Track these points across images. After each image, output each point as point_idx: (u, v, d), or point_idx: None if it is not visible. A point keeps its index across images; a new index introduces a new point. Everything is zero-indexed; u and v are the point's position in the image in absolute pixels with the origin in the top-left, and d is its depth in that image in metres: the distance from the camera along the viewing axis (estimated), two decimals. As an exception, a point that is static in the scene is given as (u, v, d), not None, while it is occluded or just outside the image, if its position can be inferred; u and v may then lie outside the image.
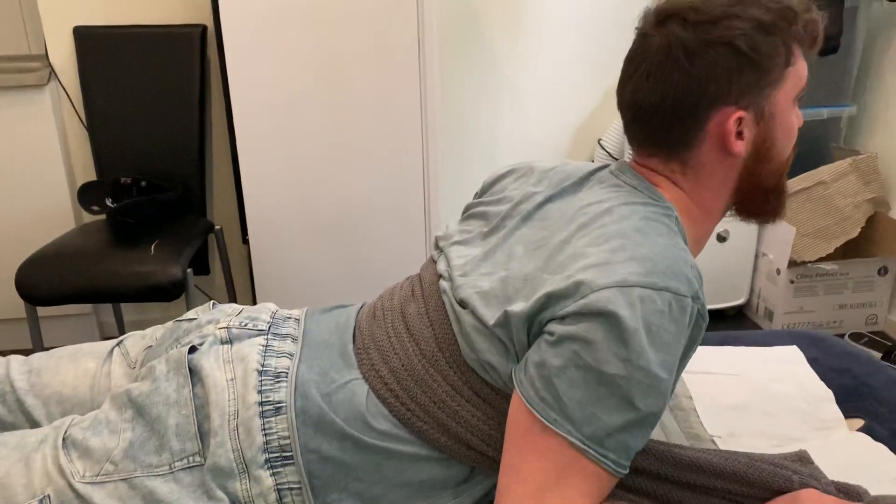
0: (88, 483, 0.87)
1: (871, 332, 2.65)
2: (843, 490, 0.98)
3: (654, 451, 1.01)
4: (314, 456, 0.90)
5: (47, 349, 1.15)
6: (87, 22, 2.33)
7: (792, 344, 1.46)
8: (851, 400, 1.28)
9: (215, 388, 0.92)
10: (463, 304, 0.92)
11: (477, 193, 1.16)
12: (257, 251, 2.17)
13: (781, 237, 2.52)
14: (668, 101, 0.90)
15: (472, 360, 0.90)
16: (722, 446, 1.17)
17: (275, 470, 0.89)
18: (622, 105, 0.97)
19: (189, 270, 2.01)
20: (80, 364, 1.09)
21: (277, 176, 2.10)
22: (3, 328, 2.56)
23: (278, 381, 0.93)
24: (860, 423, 1.23)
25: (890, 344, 2.47)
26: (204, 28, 2.32)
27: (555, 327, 0.80)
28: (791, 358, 1.41)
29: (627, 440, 0.80)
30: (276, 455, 0.89)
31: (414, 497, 0.92)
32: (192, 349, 0.97)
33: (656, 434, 1.20)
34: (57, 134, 2.38)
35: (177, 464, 0.89)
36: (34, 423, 1.05)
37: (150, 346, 1.10)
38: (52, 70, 2.36)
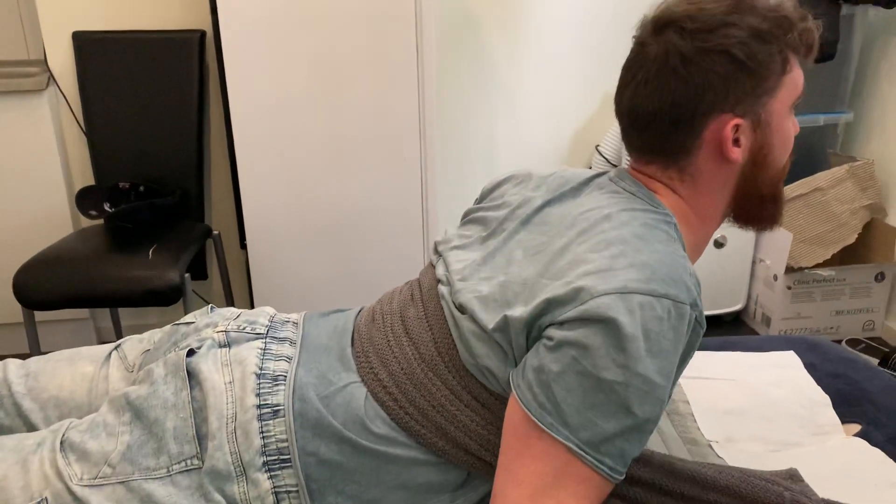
0: (86, 486, 0.87)
1: (868, 338, 2.65)
2: None
3: (649, 461, 1.02)
4: (312, 459, 0.90)
5: (45, 354, 1.15)
6: (86, 27, 2.34)
7: (789, 349, 1.46)
8: (848, 405, 1.28)
9: (213, 391, 0.92)
10: (462, 308, 0.92)
11: (476, 200, 1.17)
12: (255, 256, 2.18)
13: (779, 243, 2.52)
14: (666, 109, 0.91)
15: (471, 365, 0.90)
16: (719, 451, 1.17)
17: (272, 473, 0.89)
18: (620, 112, 0.98)
19: (187, 275, 2.01)
20: (77, 368, 1.09)
21: (275, 181, 2.10)
22: (0, 333, 2.56)
23: (276, 385, 0.93)
24: (857, 428, 1.23)
25: (887, 350, 2.47)
26: (202, 34, 2.32)
27: (554, 332, 0.81)
28: (788, 363, 1.42)
29: (624, 446, 0.80)
30: (273, 458, 0.89)
31: (411, 501, 0.92)
32: (191, 352, 0.97)
33: (653, 439, 1.20)
34: (55, 139, 2.38)
35: (174, 467, 0.89)
36: (31, 427, 1.05)
37: (148, 350, 1.10)
38: (51, 75, 2.36)
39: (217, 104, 2.46)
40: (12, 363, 1.09)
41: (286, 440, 0.90)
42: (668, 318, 0.79)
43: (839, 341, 2.61)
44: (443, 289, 0.98)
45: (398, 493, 0.92)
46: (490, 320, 0.87)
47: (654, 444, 1.19)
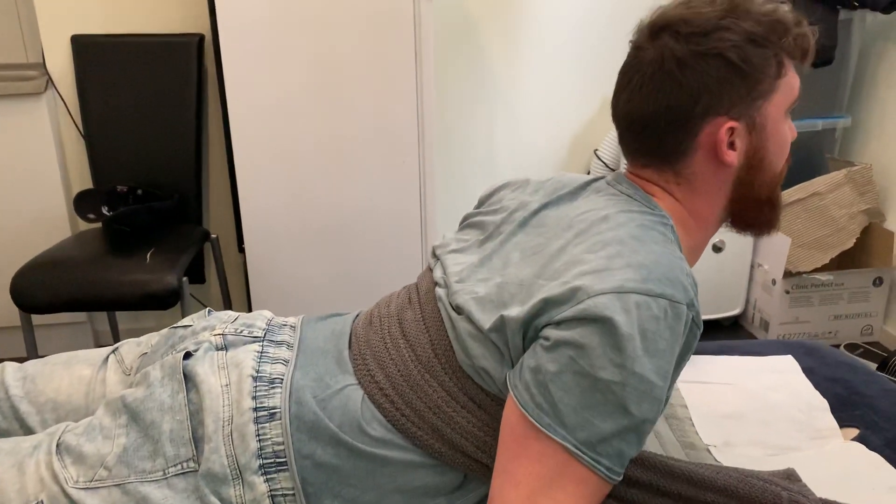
0: (82, 489, 0.87)
1: (866, 343, 2.65)
2: None
3: (647, 462, 1.02)
4: (308, 462, 0.90)
5: (42, 357, 1.15)
6: (85, 31, 2.34)
7: (787, 354, 1.46)
8: (846, 409, 1.29)
9: (210, 394, 0.92)
10: (458, 309, 0.92)
11: (474, 207, 1.18)
12: (253, 260, 2.17)
13: (777, 248, 2.53)
14: (661, 112, 0.92)
15: (468, 366, 0.90)
16: (717, 455, 1.17)
17: (268, 476, 0.89)
18: (616, 116, 0.99)
19: (185, 279, 2.01)
20: (74, 371, 1.09)
21: (274, 185, 2.10)
22: (-3, 336, 2.56)
23: (273, 387, 0.93)
24: (855, 432, 1.23)
25: (885, 354, 2.47)
26: (201, 37, 2.33)
27: (551, 332, 0.81)
28: (786, 367, 1.42)
29: (621, 446, 0.80)
30: (269, 461, 0.89)
31: (408, 503, 0.92)
32: (188, 355, 0.97)
33: (651, 443, 1.20)
34: (54, 142, 2.38)
35: (171, 469, 0.89)
36: (28, 430, 1.05)
37: (146, 353, 1.09)
38: (50, 78, 2.37)
39: (215, 108, 2.46)
40: (10, 366, 1.09)
41: (282, 443, 0.90)
42: (664, 317, 0.79)
43: (837, 346, 2.61)
44: (440, 291, 0.98)
45: (395, 496, 0.92)
46: (486, 320, 0.88)
47: (652, 447, 1.19)
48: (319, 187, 2.12)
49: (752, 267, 2.69)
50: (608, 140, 2.65)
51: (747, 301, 2.74)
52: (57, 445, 0.91)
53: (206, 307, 1.16)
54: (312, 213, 2.14)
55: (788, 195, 2.48)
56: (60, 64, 2.36)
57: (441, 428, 0.90)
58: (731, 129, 0.91)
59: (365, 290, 2.23)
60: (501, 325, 0.86)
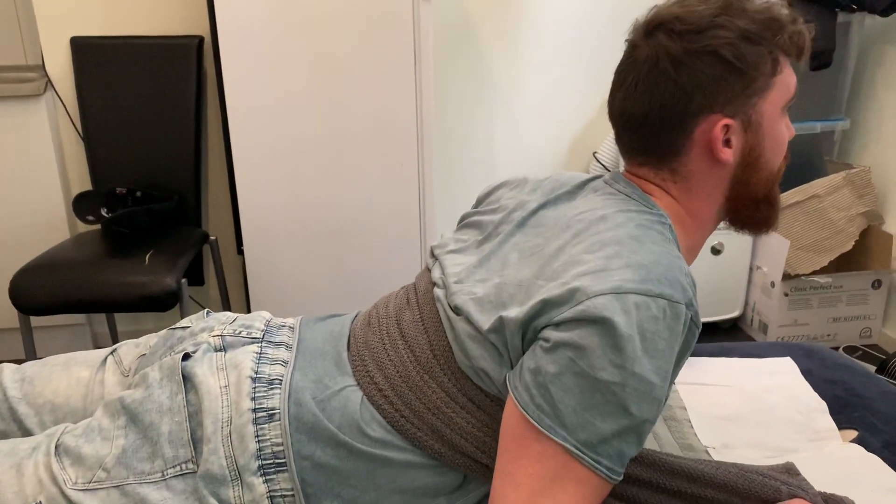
0: (80, 490, 0.87)
1: (865, 345, 2.65)
2: (829, 501, 0.99)
3: (647, 460, 1.02)
4: (307, 463, 0.90)
5: (40, 359, 1.14)
6: (85, 32, 2.34)
7: (786, 355, 1.46)
8: (845, 411, 1.29)
9: (209, 395, 0.92)
10: (457, 310, 0.92)
11: (473, 206, 1.17)
12: (252, 262, 2.17)
13: (775, 250, 2.53)
14: (656, 110, 0.92)
15: (466, 367, 0.90)
16: (716, 457, 1.17)
17: (268, 477, 0.89)
18: (612, 115, 0.99)
19: (183, 281, 2.01)
20: (73, 373, 1.09)
21: (273, 186, 2.10)
22: (-4, 338, 2.56)
23: (272, 388, 0.93)
24: (853, 434, 1.23)
25: (884, 357, 2.47)
26: (201, 39, 2.33)
27: (550, 333, 0.81)
28: (785, 369, 1.42)
29: (622, 446, 0.80)
30: (269, 462, 0.89)
31: (407, 504, 0.92)
32: (186, 356, 0.97)
33: (650, 444, 1.20)
34: (53, 144, 2.38)
35: (169, 471, 0.89)
36: (27, 432, 1.05)
37: (144, 355, 1.09)
38: (49, 80, 2.37)
39: (215, 110, 2.46)
40: (8, 368, 1.09)
41: (281, 444, 0.90)
42: (663, 317, 0.79)
43: (836, 348, 2.61)
44: (438, 291, 0.98)
45: (394, 497, 0.91)
46: (485, 321, 0.88)
47: (651, 448, 1.19)
48: (318, 189, 2.12)
49: (750, 269, 2.69)
50: (607, 142, 2.65)
51: (746, 303, 2.74)
52: (56, 447, 0.91)
53: (204, 309, 1.16)
54: (311, 214, 2.14)
55: (787, 197, 2.49)
56: (60, 66, 2.37)
57: (440, 429, 0.90)
58: (727, 127, 0.91)
59: (364, 291, 2.23)
60: (500, 326, 0.86)
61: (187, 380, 0.94)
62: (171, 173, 2.37)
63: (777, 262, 2.52)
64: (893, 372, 2.24)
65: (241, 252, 2.23)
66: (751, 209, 0.98)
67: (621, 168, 1.04)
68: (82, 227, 2.48)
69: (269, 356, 0.98)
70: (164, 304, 1.93)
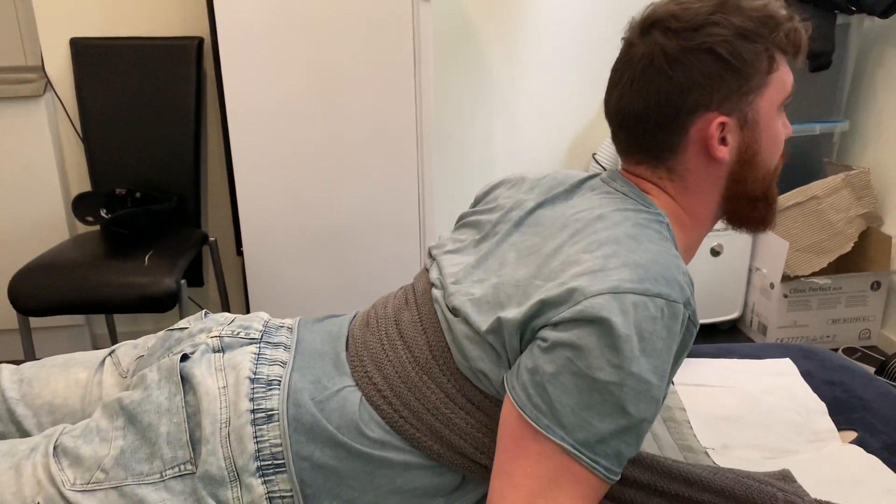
0: (79, 491, 0.87)
1: (864, 347, 2.65)
2: None
3: (645, 462, 1.02)
4: (306, 464, 0.90)
5: (39, 360, 1.14)
6: (84, 34, 2.34)
7: (785, 357, 1.46)
8: (844, 412, 1.29)
9: (207, 396, 0.92)
10: (455, 311, 0.92)
11: (471, 205, 1.17)
12: (251, 263, 2.17)
13: (775, 252, 2.53)
14: (652, 108, 0.92)
15: (465, 368, 0.90)
16: (715, 458, 1.17)
17: (266, 478, 0.89)
18: (609, 113, 0.99)
19: (183, 282, 2.01)
20: (71, 374, 1.09)
21: (272, 188, 2.10)
22: (-5, 339, 2.56)
23: (270, 389, 0.93)
24: (853, 435, 1.23)
25: (883, 358, 2.47)
26: (200, 40, 2.33)
27: (548, 333, 0.81)
28: (784, 370, 1.42)
29: (620, 446, 0.80)
30: (267, 463, 0.89)
31: (406, 505, 0.92)
32: (184, 357, 0.97)
33: (650, 445, 1.20)
34: (52, 145, 2.38)
35: (168, 472, 0.89)
36: (25, 434, 1.04)
37: (142, 356, 1.09)
38: (49, 81, 2.37)
39: (214, 111, 2.46)
40: (6, 369, 1.09)
41: (280, 445, 0.90)
42: (661, 317, 0.79)
43: (835, 350, 2.61)
44: (436, 292, 0.98)
45: (393, 498, 0.91)
46: (483, 322, 0.87)
47: (651, 450, 1.19)
48: (318, 190, 2.12)
49: (750, 271, 2.69)
50: (607, 144, 2.65)
51: (745, 305, 2.74)
52: (54, 448, 0.91)
53: (203, 309, 1.16)
54: (311, 215, 2.14)
55: (786, 199, 2.49)
56: (59, 67, 2.37)
57: (439, 429, 0.90)
58: (722, 125, 0.91)
59: (363, 292, 2.23)
60: (498, 327, 0.86)
61: (186, 381, 0.94)
62: (170, 174, 2.37)
63: (776, 263, 2.53)
64: (892, 373, 2.24)
65: (240, 253, 2.23)
66: (748, 207, 0.98)
67: (619, 168, 1.04)
68: (82, 228, 2.47)
69: (268, 357, 0.98)
70: (163, 305, 1.93)
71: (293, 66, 1.99)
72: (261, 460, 0.89)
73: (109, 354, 1.12)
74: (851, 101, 2.70)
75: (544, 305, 0.82)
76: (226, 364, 0.96)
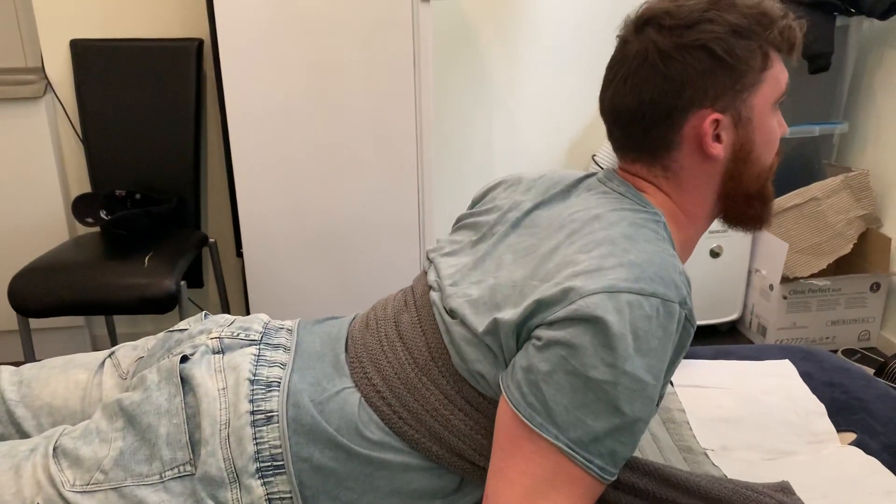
0: (78, 492, 0.87)
1: (863, 348, 2.66)
2: None
3: (643, 468, 1.02)
4: (305, 465, 0.90)
5: (38, 361, 1.14)
6: (84, 35, 2.35)
7: (784, 358, 1.46)
8: (843, 414, 1.29)
9: (207, 397, 0.92)
10: (452, 314, 0.92)
11: (468, 207, 1.17)
12: (251, 264, 2.17)
13: (774, 253, 2.53)
14: (646, 105, 0.92)
15: (463, 370, 0.90)
16: (714, 459, 1.17)
17: (266, 479, 0.89)
18: (604, 111, 0.99)
19: (182, 283, 2.01)
20: (70, 376, 1.09)
21: (272, 189, 2.10)
22: (-6, 340, 2.56)
23: (270, 391, 0.93)
24: (852, 436, 1.23)
25: (882, 360, 2.47)
26: (200, 42, 2.33)
27: (542, 332, 0.81)
28: (783, 372, 1.42)
29: (614, 446, 0.80)
30: (267, 464, 0.89)
31: (405, 507, 0.92)
32: (184, 358, 0.97)
33: (649, 447, 1.20)
34: (52, 146, 2.38)
35: (167, 473, 0.89)
36: (24, 435, 1.04)
37: (142, 357, 1.09)
38: (49, 83, 2.37)
39: (214, 112, 2.46)
40: (5, 370, 1.09)
41: (280, 446, 0.90)
42: (656, 316, 0.79)
43: (835, 351, 2.61)
44: (434, 295, 0.98)
45: (392, 499, 0.92)
46: (480, 324, 0.87)
47: (650, 451, 1.19)
48: (318, 192, 2.12)
49: (749, 272, 2.69)
50: (606, 145, 2.65)
51: (745, 306, 2.74)
52: (54, 449, 0.91)
53: (203, 311, 1.16)
54: (311, 217, 2.14)
55: (785, 200, 2.49)
56: (59, 68, 2.37)
57: (438, 431, 0.90)
58: (716, 122, 0.91)
59: (363, 294, 2.23)
60: (495, 328, 0.86)
61: (185, 382, 0.95)
62: (170, 176, 2.37)
63: (776, 264, 2.53)
64: (892, 375, 2.24)
65: (240, 255, 2.23)
66: (744, 205, 0.98)
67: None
68: (81, 230, 2.48)
69: (268, 358, 0.98)
70: (163, 306, 1.93)
71: (293, 67, 2.00)
72: (260, 461, 0.89)
73: (109, 356, 1.12)
74: (851, 102, 2.71)
75: (540, 305, 0.82)
76: (225, 365, 0.96)
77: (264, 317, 1.08)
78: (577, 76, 2.69)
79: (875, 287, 2.59)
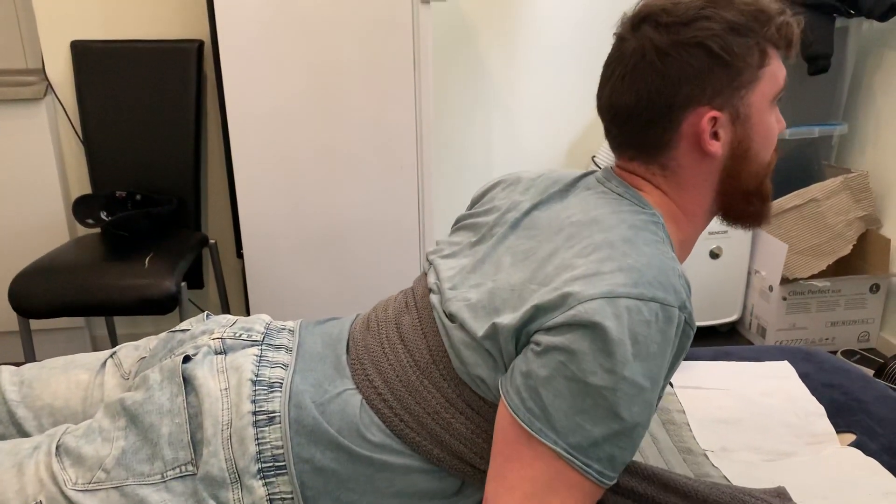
0: (80, 490, 0.87)
1: (863, 349, 2.66)
2: None
3: (642, 473, 1.02)
4: (307, 466, 0.90)
5: (39, 361, 1.14)
6: (85, 36, 2.35)
7: (783, 359, 1.47)
8: (843, 415, 1.29)
9: (209, 398, 0.92)
10: (452, 317, 0.92)
11: (467, 207, 1.17)
12: (251, 265, 2.18)
13: (774, 254, 2.53)
14: (643, 103, 0.91)
15: (463, 374, 0.90)
16: (714, 461, 1.17)
17: (267, 480, 0.89)
18: (601, 109, 0.98)
19: (183, 284, 2.01)
20: (72, 376, 1.09)
21: (272, 190, 2.11)
22: (-5, 341, 2.56)
23: (272, 391, 0.93)
24: (851, 437, 1.23)
25: (882, 361, 2.47)
26: (201, 43, 2.33)
27: (541, 338, 0.81)
28: (782, 373, 1.42)
29: (613, 451, 0.80)
30: (268, 465, 0.89)
31: (406, 508, 0.92)
32: (187, 359, 0.97)
33: (649, 448, 1.21)
34: (53, 147, 2.38)
35: (169, 473, 0.89)
36: (25, 436, 1.04)
37: (144, 358, 1.09)
38: (49, 84, 2.37)
39: (214, 113, 2.46)
40: (6, 370, 1.09)
41: (281, 447, 0.90)
42: (655, 321, 0.79)
43: (834, 352, 2.61)
44: (433, 298, 0.98)
45: (393, 501, 0.92)
46: (479, 328, 0.87)
47: (650, 452, 1.19)
48: (318, 193, 2.12)
49: (749, 273, 2.69)
50: (605, 146, 2.65)
51: (744, 307, 2.74)
52: (56, 447, 0.91)
53: (204, 311, 1.16)
54: (311, 218, 2.14)
55: (785, 201, 2.49)
56: (60, 69, 2.37)
57: (439, 433, 0.90)
58: (714, 119, 0.90)
59: (363, 294, 2.24)
60: (494, 332, 0.86)
61: (188, 382, 0.95)
62: (170, 177, 2.37)
63: (775, 265, 2.53)
64: (891, 376, 2.25)
65: (240, 255, 2.23)
66: (743, 203, 0.97)
67: (614, 164, 1.03)
68: (82, 231, 2.48)
69: (270, 359, 0.98)
70: (163, 307, 1.93)
71: (293, 68, 2.00)
72: (262, 462, 0.89)
73: (111, 356, 1.12)
74: (850, 104, 2.71)
75: (538, 310, 0.82)
76: (228, 366, 0.96)
77: (266, 317, 1.08)
78: (577, 77, 2.69)
79: (874, 288, 2.59)
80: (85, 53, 2.32)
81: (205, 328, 1.05)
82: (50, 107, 2.38)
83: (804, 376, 1.40)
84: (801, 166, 2.66)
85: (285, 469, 0.89)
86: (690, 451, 1.20)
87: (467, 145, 2.73)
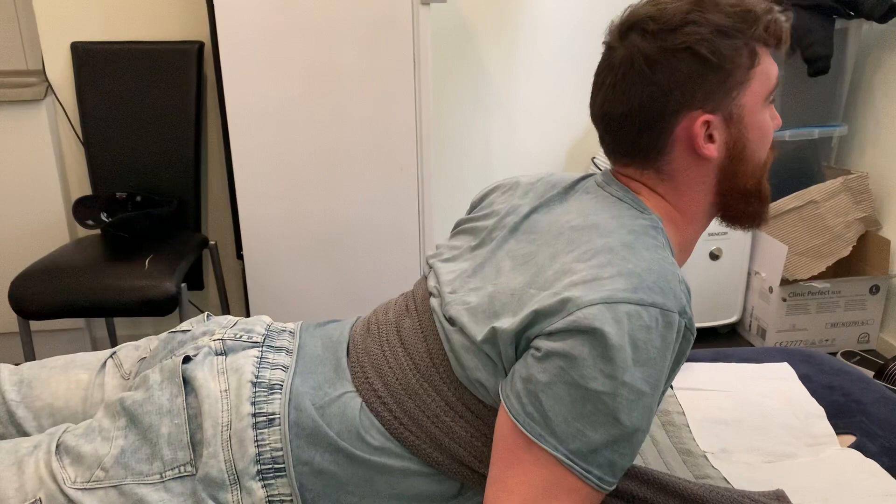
0: (79, 489, 0.87)
1: (863, 351, 2.66)
2: None
3: (642, 476, 1.02)
4: (306, 468, 0.90)
5: (38, 361, 1.14)
6: (85, 38, 2.35)
7: (783, 361, 1.47)
8: (842, 416, 1.29)
9: (209, 399, 0.92)
10: (451, 321, 0.92)
11: (467, 212, 1.17)
12: (251, 267, 2.18)
13: (774, 255, 2.53)
14: (635, 111, 0.91)
15: (463, 378, 0.90)
16: (714, 462, 1.17)
17: (266, 482, 0.89)
18: (594, 118, 0.98)
19: (183, 285, 2.01)
20: (72, 376, 1.09)
21: (272, 192, 2.11)
22: (-5, 342, 2.56)
23: (272, 393, 0.93)
24: (851, 439, 1.23)
25: (881, 362, 2.47)
26: (201, 45, 2.33)
27: (541, 343, 0.81)
28: (782, 375, 1.42)
29: (613, 456, 0.80)
30: (268, 467, 0.89)
31: (405, 510, 0.92)
32: (187, 359, 0.97)
33: (649, 450, 1.21)
34: (53, 149, 2.38)
35: (168, 473, 0.89)
36: (25, 436, 1.04)
37: (144, 358, 1.09)
38: (49, 85, 2.37)
39: (214, 115, 2.47)
40: (5, 368, 1.09)
41: (281, 449, 0.90)
42: (655, 326, 0.79)
43: (834, 354, 2.61)
44: (433, 301, 0.98)
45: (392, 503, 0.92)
46: (479, 332, 0.87)
47: (650, 454, 1.19)
48: (318, 194, 2.12)
49: (748, 275, 2.69)
50: (606, 148, 2.65)
51: (744, 309, 2.74)
52: (56, 446, 0.91)
53: (204, 312, 1.16)
54: (311, 220, 2.15)
55: (785, 203, 2.49)
56: (60, 71, 2.37)
57: (439, 437, 0.90)
58: (707, 123, 0.90)
59: (363, 296, 2.24)
60: (493, 336, 0.85)
61: (188, 383, 0.95)
62: (170, 178, 2.37)
63: (775, 267, 2.53)
64: (891, 377, 2.25)
65: (240, 257, 2.23)
66: (741, 203, 0.97)
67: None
68: (82, 232, 2.48)
69: (270, 361, 0.98)
70: (163, 308, 1.93)
71: (293, 70, 2.00)
72: (261, 464, 0.89)
73: (111, 356, 1.12)
74: (850, 105, 2.71)
75: (538, 315, 0.82)
76: (228, 367, 0.96)
77: (266, 319, 1.08)
78: (576, 78, 2.69)
79: (874, 289, 2.59)
80: (85, 55, 2.33)
81: (205, 329, 1.05)
82: (50, 108, 2.38)
83: (804, 378, 1.40)
84: (800, 168, 2.66)
85: (284, 471, 0.90)
86: (690, 453, 1.20)
87: (467, 147, 2.73)
